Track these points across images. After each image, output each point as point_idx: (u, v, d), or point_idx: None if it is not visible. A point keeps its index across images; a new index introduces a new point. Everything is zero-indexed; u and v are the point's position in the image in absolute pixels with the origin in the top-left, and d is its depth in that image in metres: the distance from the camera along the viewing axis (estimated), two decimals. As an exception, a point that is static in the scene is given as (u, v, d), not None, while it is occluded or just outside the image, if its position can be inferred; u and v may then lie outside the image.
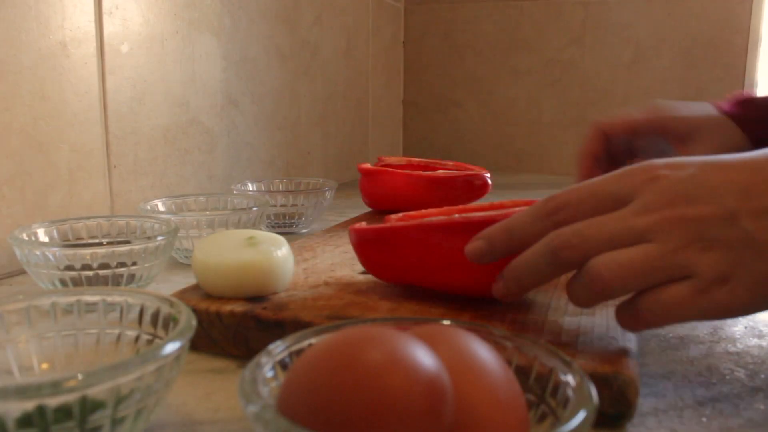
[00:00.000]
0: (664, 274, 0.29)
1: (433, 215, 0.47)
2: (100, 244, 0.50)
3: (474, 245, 0.36)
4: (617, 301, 0.41)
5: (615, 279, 0.30)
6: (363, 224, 0.43)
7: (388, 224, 0.42)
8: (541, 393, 0.25)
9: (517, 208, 0.39)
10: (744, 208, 0.29)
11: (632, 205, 0.31)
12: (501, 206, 0.45)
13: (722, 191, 0.29)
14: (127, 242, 0.46)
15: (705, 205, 0.29)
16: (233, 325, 0.38)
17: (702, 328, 0.43)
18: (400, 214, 0.47)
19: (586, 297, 0.32)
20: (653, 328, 0.30)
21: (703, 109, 0.55)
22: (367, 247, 0.42)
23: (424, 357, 0.21)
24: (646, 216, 0.30)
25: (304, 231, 0.74)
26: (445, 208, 0.48)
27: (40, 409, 0.23)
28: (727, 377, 0.36)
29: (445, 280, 0.40)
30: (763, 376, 0.36)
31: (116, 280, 0.46)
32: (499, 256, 0.35)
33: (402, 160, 0.81)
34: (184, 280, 0.53)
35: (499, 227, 0.35)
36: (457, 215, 0.43)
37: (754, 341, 0.41)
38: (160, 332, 0.31)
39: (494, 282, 0.37)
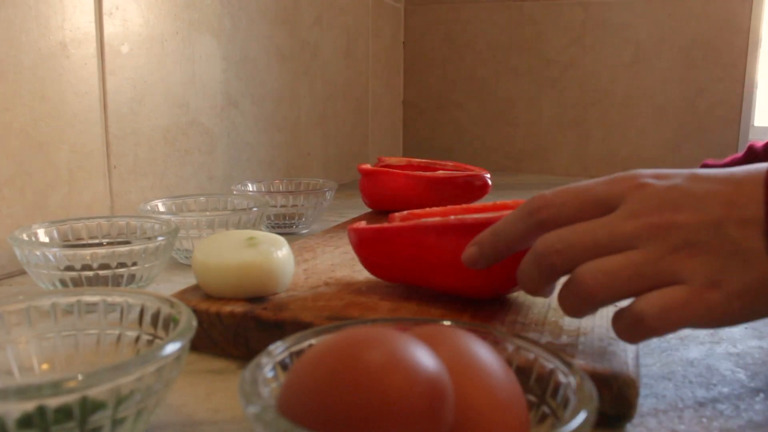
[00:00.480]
0: (651, 280, 0.29)
1: (437, 214, 0.47)
2: (100, 245, 0.50)
3: (467, 252, 0.36)
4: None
5: (599, 287, 0.30)
6: (362, 224, 0.43)
7: (385, 224, 0.42)
8: (541, 394, 0.25)
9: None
10: (729, 216, 0.29)
11: (618, 211, 0.31)
12: (504, 206, 0.45)
13: (707, 200, 0.29)
14: (128, 242, 0.46)
15: (690, 212, 0.29)
16: (233, 325, 0.38)
17: (702, 329, 0.43)
18: (405, 213, 0.47)
19: (574, 306, 0.32)
20: (651, 335, 0.29)
21: None
22: (365, 246, 0.42)
23: (424, 357, 0.21)
24: (632, 222, 0.30)
25: (304, 231, 0.74)
26: (449, 207, 0.48)
27: (41, 410, 0.23)
28: (728, 378, 0.36)
29: (442, 281, 0.40)
30: (763, 377, 0.36)
31: (116, 281, 0.46)
32: (492, 260, 0.35)
33: (402, 160, 0.80)
34: (185, 281, 0.53)
35: (487, 231, 0.35)
36: (452, 216, 0.43)
37: (755, 342, 0.41)
38: (161, 333, 0.31)
39: (489, 282, 0.37)
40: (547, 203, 0.33)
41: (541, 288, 0.34)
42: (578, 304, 0.31)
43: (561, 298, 0.32)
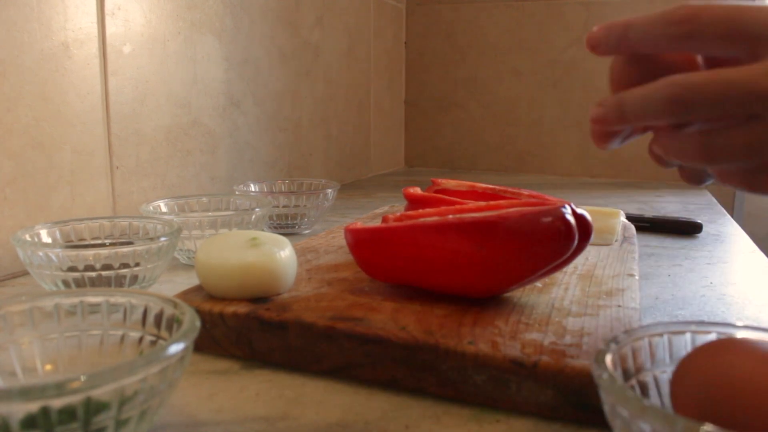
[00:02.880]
0: None
1: (433, 214, 0.46)
2: (102, 245, 0.50)
3: (595, 32, 0.33)
4: (617, 299, 0.41)
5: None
6: (357, 224, 0.43)
7: (382, 225, 0.42)
8: None
9: (513, 209, 0.39)
10: None
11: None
12: (498, 206, 0.45)
13: None
14: (130, 243, 0.46)
15: None
16: (236, 326, 0.38)
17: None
18: (399, 214, 0.47)
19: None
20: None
21: None
22: (362, 248, 0.42)
23: None
24: None
25: (306, 232, 0.74)
26: (443, 208, 0.48)
27: (45, 411, 0.23)
28: (732, 378, 0.36)
29: (440, 281, 0.40)
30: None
31: (119, 281, 0.46)
32: (612, 48, 0.33)
33: (462, 185, 0.62)
34: (187, 281, 0.53)
35: (619, 21, 0.32)
36: (450, 216, 0.42)
37: (759, 342, 0.41)
38: (164, 333, 0.31)
39: (487, 282, 0.37)
40: (693, 16, 0.29)
41: (646, 119, 0.31)
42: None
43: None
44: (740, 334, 0.28)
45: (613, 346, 0.27)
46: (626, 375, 0.27)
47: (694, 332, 0.29)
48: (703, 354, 0.25)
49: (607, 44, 0.33)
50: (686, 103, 0.29)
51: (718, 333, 0.28)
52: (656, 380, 0.28)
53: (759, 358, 0.24)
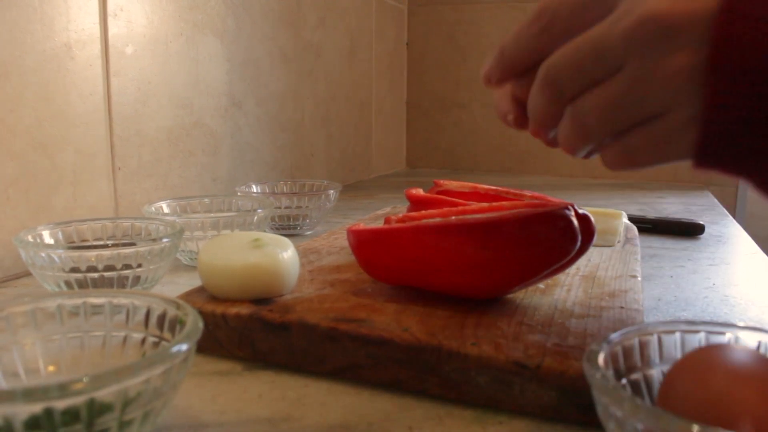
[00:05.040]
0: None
1: (436, 215, 0.46)
2: (105, 246, 0.50)
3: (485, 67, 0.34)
4: (620, 300, 0.41)
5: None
6: (360, 225, 0.43)
7: (384, 226, 0.42)
8: None
9: (515, 210, 0.39)
10: None
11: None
12: (501, 207, 0.44)
13: None
14: (132, 244, 0.46)
15: None
16: (239, 327, 0.38)
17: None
18: (401, 215, 0.47)
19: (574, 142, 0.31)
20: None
21: None
22: (364, 248, 0.42)
23: None
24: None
25: (308, 233, 0.74)
26: (446, 209, 0.48)
27: (48, 412, 0.23)
28: (735, 380, 0.36)
29: (443, 282, 0.40)
30: None
31: (121, 282, 0.46)
32: (499, 74, 0.35)
33: (464, 186, 0.62)
34: (189, 282, 0.53)
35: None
36: (453, 217, 0.42)
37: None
38: (167, 334, 0.31)
39: (490, 283, 0.38)
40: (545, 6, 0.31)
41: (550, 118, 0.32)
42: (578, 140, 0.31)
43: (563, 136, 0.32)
44: (729, 335, 0.29)
45: (604, 345, 0.27)
46: (617, 374, 0.27)
47: (683, 332, 0.29)
48: (684, 367, 0.26)
49: (493, 74, 0.34)
50: (553, 79, 0.29)
51: (707, 332, 0.29)
52: (647, 379, 0.28)
53: (733, 375, 0.24)
